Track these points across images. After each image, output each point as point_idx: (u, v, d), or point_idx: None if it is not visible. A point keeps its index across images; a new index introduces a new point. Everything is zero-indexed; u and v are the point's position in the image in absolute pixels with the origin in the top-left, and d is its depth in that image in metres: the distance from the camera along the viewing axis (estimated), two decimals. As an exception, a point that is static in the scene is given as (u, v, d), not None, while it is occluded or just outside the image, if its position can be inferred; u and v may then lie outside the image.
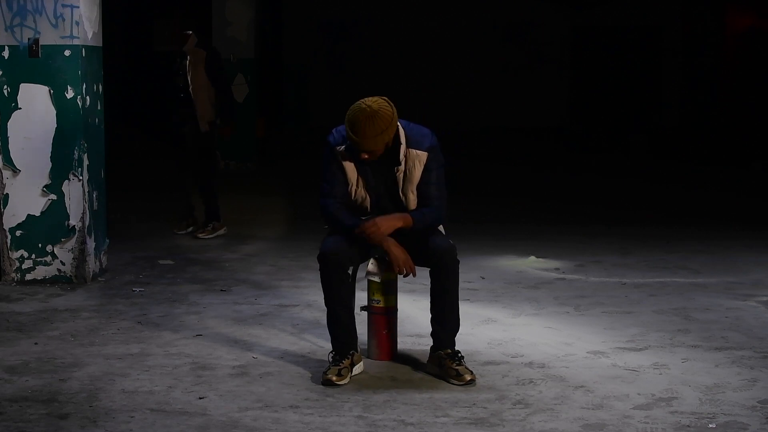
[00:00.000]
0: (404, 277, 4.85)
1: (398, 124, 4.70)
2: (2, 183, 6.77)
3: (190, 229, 8.99)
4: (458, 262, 4.81)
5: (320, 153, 4.86)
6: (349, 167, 4.77)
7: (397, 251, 4.75)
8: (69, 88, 6.70)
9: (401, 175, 4.78)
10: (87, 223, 6.83)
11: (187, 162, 8.93)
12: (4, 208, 6.79)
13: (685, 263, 7.68)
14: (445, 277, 4.78)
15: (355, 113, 4.60)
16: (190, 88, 8.73)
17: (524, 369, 4.93)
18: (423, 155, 4.75)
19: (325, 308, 4.86)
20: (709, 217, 10.27)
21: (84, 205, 6.80)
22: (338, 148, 4.77)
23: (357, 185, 4.80)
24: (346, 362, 4.75)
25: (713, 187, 12.77)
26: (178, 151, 9.03)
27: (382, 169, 4.78)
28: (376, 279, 4.94)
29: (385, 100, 4.66)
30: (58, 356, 5.12)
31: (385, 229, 4.72)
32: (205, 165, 8.86)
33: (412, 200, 4.82)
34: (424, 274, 4.91)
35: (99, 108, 7.06)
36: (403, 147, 4.74)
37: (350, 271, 4.85)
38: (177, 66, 8.84)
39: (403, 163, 4.75)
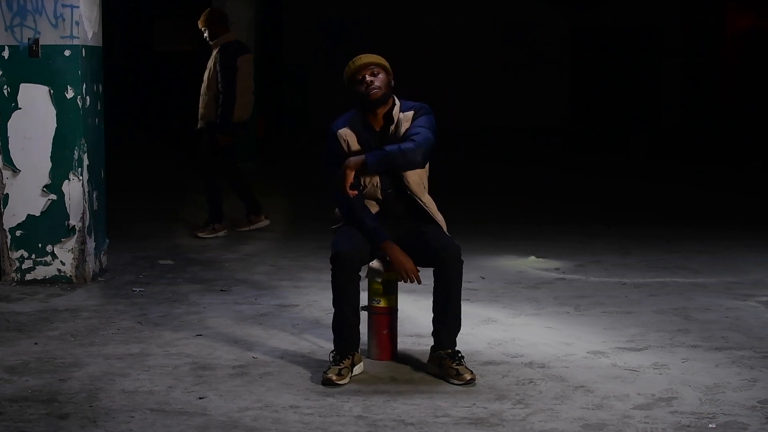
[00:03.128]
0: (408, 282, 4.87)
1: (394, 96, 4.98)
2: (2, 183, 6.78)
3: (261, 224, 9.07)
4: (462, 262, 4.81)
5: (321, 152, 4.91)
6: (353, 142, 4.90)
7: (401, 259, 4.80)
8: (69, 88, 6.70)
9: (393, 138, 4.90)
10: (87, 223, 6.83)
11: (230, 164, 8.96)
12: (4, 208, 6.79)
13: (685, 263, 7.68)
14: (449, 277, 4.79)
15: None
16: (204, 85, 8.76)
17: (524, 369, 4.93)
18: (410, 114, 4.94)
19: (332, 308, 4.86)
20: (709, 217, 10.27)
21: (84, 205, 6.80)
22: (340, 130, 4.91)
23: None
24: (347, 362, 4.76)
25: (713, 187, 12.77)
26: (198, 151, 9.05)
27: (380, 139, 4.91)
28: (377, 279, 4.95)
29: None
30: (58, 356, 5.12)
31: (403, 255, 4.78)
32: (206, 165, 8.86)
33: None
34: (423, 274, 4.91)
35: (99, 108, 7.06)
36: (397, 107, 4.94)
37: (361, 272, 4.86)
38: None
39: (396, 119, 4.89)
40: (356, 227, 4.84)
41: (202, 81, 8.81)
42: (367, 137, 4.90)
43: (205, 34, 8.82)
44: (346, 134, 4.90)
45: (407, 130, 4.88)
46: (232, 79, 8.66)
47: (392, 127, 4.91)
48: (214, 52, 8.75)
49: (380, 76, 4.87)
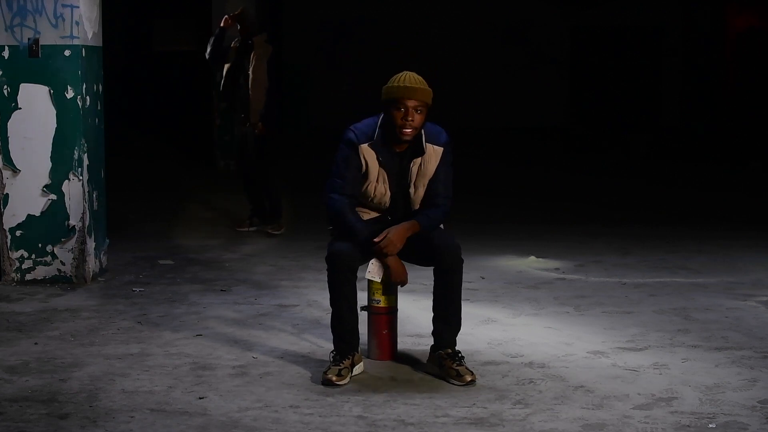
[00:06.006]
0: (399, 285, 4.90)
1: None
2: (2, 183, 6.78)
3: (253, 228, 9.16)
4: (462, 261, 4.80)
5: (334, 148, 4.84)
6: (372, 163, 4.77)
7: (395, 265, 4.80)
8: (69, 88, 6.70)
9: (416, 168, 4.80)
10: (87, 223, 6.83)
11: (251, 161, 9.01)
12: (4, 208, 6.79)
13: (685, 263, 7.68)
14: (450, 277, 4.78)
15: (397, 74, 4.69)
16: (251, 79, 8.79)
17: (524, 369, 4.93)
18: (439, 150, 4.81)
19: (330, 308, 4.86)
20: (709, 217, 10.27)
21: (84, 205, 6.80)
22: (362, 145, 4.76)
23: (378, 181, 4.81)
24: (347, 362, 4.76)
25: (713, 187, 12.77)
26: (241, 151, 9.08)
27: (399, 163, 4.81)
28: (376, 279, 4.95)
29: None
30: (58, 356, 5.12)
31: (399, 242, 4.74)
32: (266, 162, 8.95)
33: (420, 194, 4.85)
34: (423, 274, 4.91)
35: (99, 108, 7.07)
36: (423, 138, 4.78)
37: (357, 272, 4.85)
38: (241, 60, 8.86)
39: (425, 152, 4.77)
40: (343, 228, 4.77)
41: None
42: (387, 159, 4.78)
43: (240, 33, 8.89)
44: (367, 153, 4.75)
45: (433, 176, 4.79)
46: (273, 73, 8.86)
47: (418, 160, 4.77)
48: (259, 49, 8.81)
49: (421, 116, 4.67)
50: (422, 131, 4.77)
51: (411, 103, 4.64)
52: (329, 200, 4.80)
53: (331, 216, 4.84)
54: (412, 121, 4.64)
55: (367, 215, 4.90)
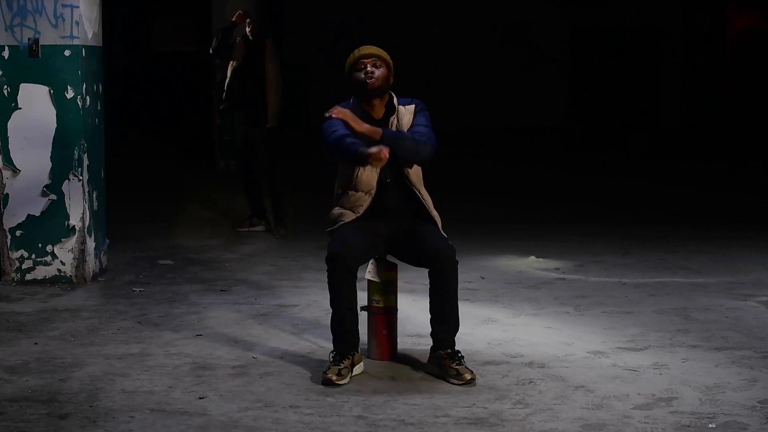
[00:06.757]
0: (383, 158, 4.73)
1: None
2: (2, 183, 6.78)
3: (261, 227, 9.16)
4: (457, 263, 4.81)
5: (320, 141, 4.92)
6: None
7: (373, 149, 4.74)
8: (69, 88, 6.70)
9: (394, 128, 4.91)
10: (87, 223, 6.83)
11: (255, 163, 9.01)
12: (4, 208, 6.79)
13: (685, 263, 7.68)
14: (444, 279, 4.79)
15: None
16: (266, 84, 8.82)
17: (524, 369, 4.93)
18: (411, 107, 5.02)
19: (330, 308, 4.86)
20: (709, 217, 10.27)
21: (84, 205, 6.81)
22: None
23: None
24: (347, 362, 4.76)
25: (713, 187, 12.77)
26: (245, 152, 9.07)
27: (380, 127, 4.91)
28: (376, 279, 4.95)
29: None
30: (58, 356, 5.12)
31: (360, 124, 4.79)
32: (275, 165, 8.97)
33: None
34: (423, 274, 4.91)
35: (99, 108, 7.07)
36: (396, 100, 5.01)
37: (357, 273, 4.85)
38: (253, 59, 8.83)
39: (396, 109, 4.95)
40: (347, 153, 4.78)
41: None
42: (367, 120, 4.91)
43: (249, 33, 8.88)
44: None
45: (411, 124, 4.93)
46: None
47: (393, 118, 4.94)
48: (271, 51, 8.83)
49: (381, 69, 4.94)
50: (393, 99, 5.00)
51: (366, 60, 4.94)
52: (330, 140, 4.83)
53: (336, 150, 4.82)
54: (372, 72, 4.91)
55: (361, 199, 4.90)
